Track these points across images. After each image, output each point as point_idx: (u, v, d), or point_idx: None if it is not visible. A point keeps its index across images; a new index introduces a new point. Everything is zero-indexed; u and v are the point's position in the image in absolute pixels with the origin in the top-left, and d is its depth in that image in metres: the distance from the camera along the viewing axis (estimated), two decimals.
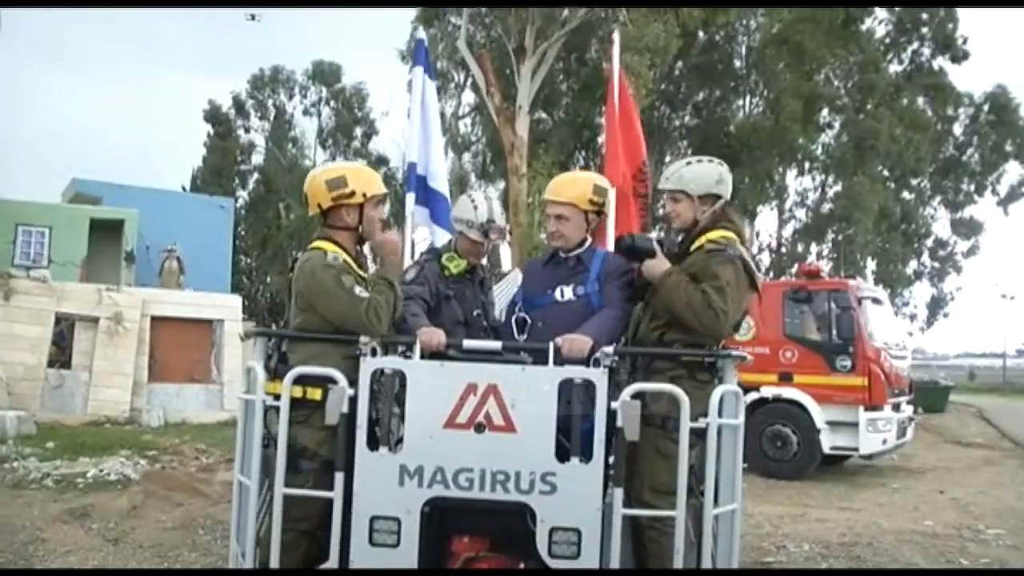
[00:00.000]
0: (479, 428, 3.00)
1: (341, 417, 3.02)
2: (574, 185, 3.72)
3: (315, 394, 3.14)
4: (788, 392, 9.70)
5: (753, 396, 9.32)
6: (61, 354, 13.42)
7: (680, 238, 3.53)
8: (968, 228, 31.20)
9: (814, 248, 29.47)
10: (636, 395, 2.97)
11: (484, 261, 4.07)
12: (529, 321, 3.58)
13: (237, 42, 64.53)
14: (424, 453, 3.00)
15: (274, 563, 3.03)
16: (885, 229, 27.14)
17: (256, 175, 35.80)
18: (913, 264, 30.48)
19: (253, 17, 30.02)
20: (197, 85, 58.59)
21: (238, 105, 35.51)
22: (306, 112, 35.92)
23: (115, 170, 57.50)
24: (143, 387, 13.66)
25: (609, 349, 3.09)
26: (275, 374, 3.23)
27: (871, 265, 27.76)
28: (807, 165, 28.78)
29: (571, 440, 3.00)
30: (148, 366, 13.82)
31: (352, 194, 3.34)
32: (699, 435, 3.03)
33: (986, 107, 29.14)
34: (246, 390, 3.32)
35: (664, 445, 3.10)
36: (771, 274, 26.92)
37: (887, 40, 28.06)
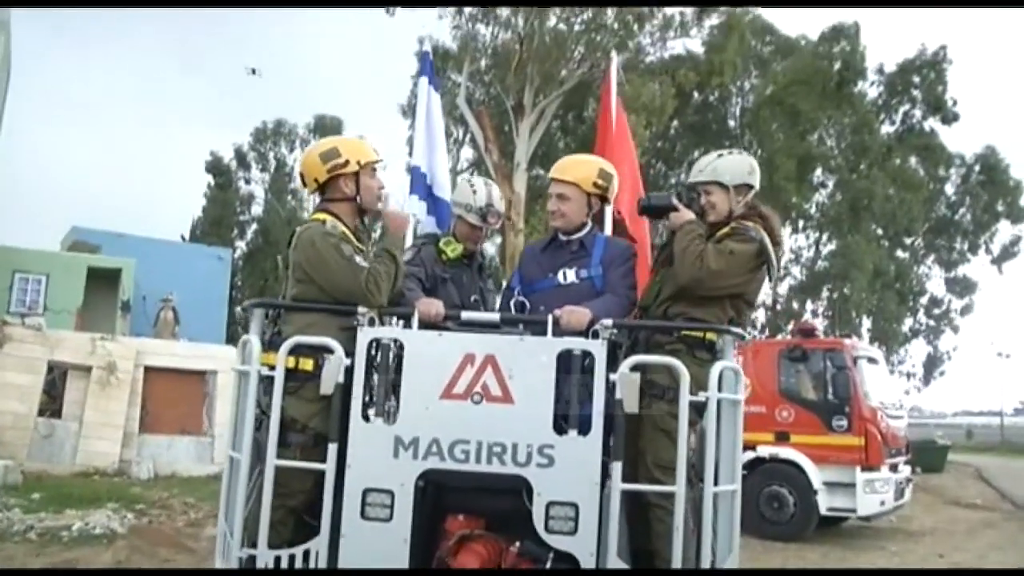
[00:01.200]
0: (477, 399, 2.93)
1: (336, 387, 2.96)
2: (580, 166, 3.70)
3: (307, 364, 3.09)
4: (785, 452, 9.62)
5: (750, 455, 9.24)
6: (52, 403, 13.27)
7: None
8: (962, 287, 31.32)
9: (809, 306, 29.52)
10: (636, 368, 2.93)
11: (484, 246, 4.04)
12: (528, 305, 3.53)
13: (241, 97, 65.58)
14: (420, 424, 2.94)
15: (261, 541, 2.95)
16: (880, 287, 27.24)
17: (255, 226, 36.02)
18: (909, 322, 30.53)
19: (254, 71, 30.60)
20: (200, 137, 59.49)
21: (240, 157, 35.95)
22: None
23: (117, 219, 57.98)
24: (133, 438, 13.48)
25: (608, 322, 3.04)
26: (269, 346, 3.16)
27: (866, 323, 27.83)
28: (802, 223, 29.04)
29: (569, 414, 2.92)
30: (140, 417, 13.67)
31: (346, 163, 3.35)
32: (699, 412, 2.99)
33: (977, 167, 29.53)
34: (241, 362, 3.23)
35: (665, 421, 3.05)
36: (766, 332, 26.94)
37: (879, 102, 28.63)
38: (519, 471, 2.89)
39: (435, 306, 3.23)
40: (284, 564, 2.95)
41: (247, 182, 36.51)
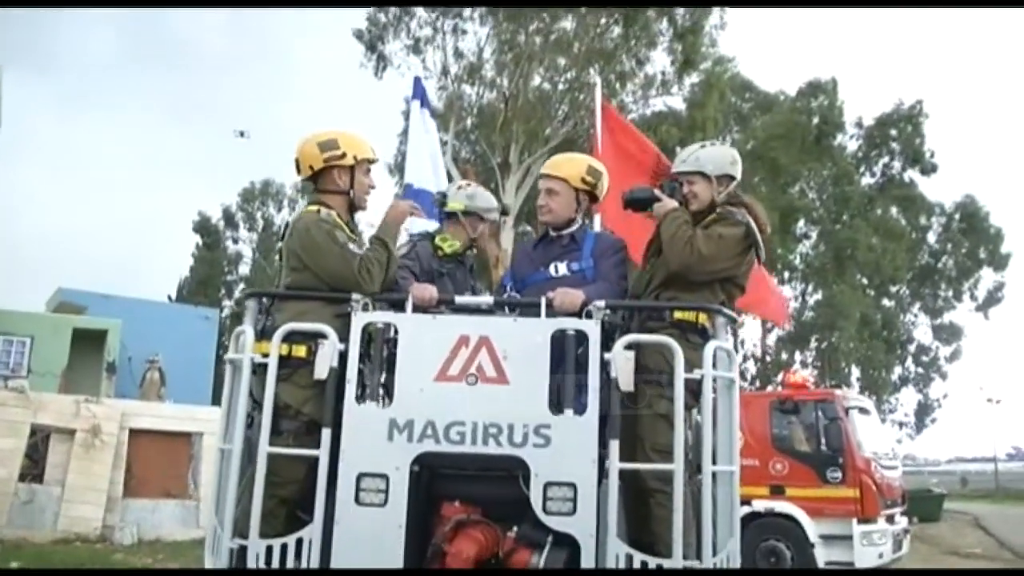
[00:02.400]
0: (472, 380, 2.90)
1: (330, 372, 2.95)
2: (569, 163, 3.76)
3: (300, 351, 3.09)
4: (780, 506, 9.50)
5: (745, 510, 9.13)
6: (34, 467, 12.99)
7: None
8: (949, 333, 31.51)
9: (798, 356, 29.61)
10: (630, 348, 2.93)
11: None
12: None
13: (229, 157, 66.21)
14: (414, 407, 2.91)
15: (253, 531, 2.87)
16: (867, 336, 27.40)
17: (242, 285, 35.98)
18: (898, 370, 30.62)
19: (242, 134, 30.88)
20: (188, 198, 59.78)
21: (227, 217, 36.17)
22: None
23: (103, 280, 57.73)
24: (117, 502, 13.17)
25: (601, 303, 3.04)
26: (263, 335, 3.15)
27: (856, 372, 27.88)
28: (787, 275, 29.30)
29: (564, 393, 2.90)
30: (124, 480, 13.40)
31: (343, 155, 3.39)
32: (695, 397, 2.98)
33: (957, 216, 30.05)
34: (235, 351, 3.21)
35: (662, 406, 3.03)
36: (756, 383, 26.91)
37: (859, 154, 29.25)
38: (515, 452, 2.86)
39: (429, 291, 3.26)
40: (276, 553, 2.87)
41: (235, 241, 36.73)
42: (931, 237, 30.67)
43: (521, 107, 19.72)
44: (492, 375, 2.92)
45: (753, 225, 3.33)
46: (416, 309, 3.15)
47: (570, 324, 3.00)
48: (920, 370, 31.47)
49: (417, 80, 6.71)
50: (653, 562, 2.82)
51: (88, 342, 18.54)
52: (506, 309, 3.32)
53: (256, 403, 3.06)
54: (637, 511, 3.07)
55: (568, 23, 20.07)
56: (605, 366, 2.91)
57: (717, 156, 3.55)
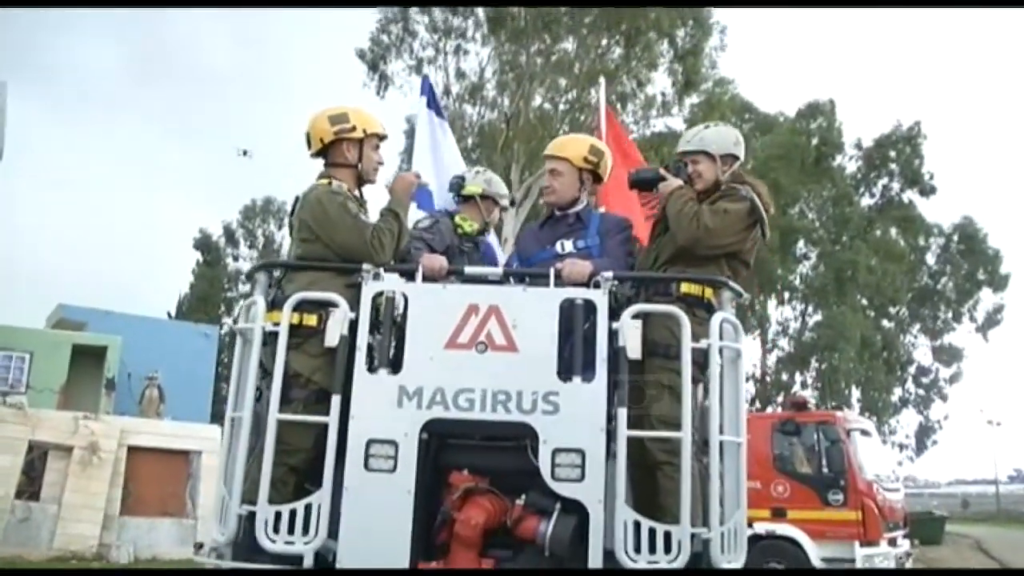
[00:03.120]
0: (481, 348, 2.93)
1: (341, 340, 2.97)
2: (571, 144, 3.83)
3: (311, 320, 3.12)
4: (782, 528, 9.45)
5: (748, 533, 9.07)
6: (31, 484, 12.91)
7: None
8: (949, 355, 31.43)
9: (799, 377, 29.53)
10: (637, 317, 2.96)
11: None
12: None
13: (230, 174, 66.41)
14: (424, 374, 2.93)
15: (262, 497, 2.88)
16: (868, 357, 27.34)
17: (242, 302, 35.89)
18: (898, 392, 30.52)
19: (245, 153, 31.00)
20: (189, 215, 59.88)
21: (228, 234, 36.23)
22: None
23: (104, 296, 57.77)
24: (114, 520, 13.09)
25: (608, 274, 3.07)
26: (272, 306, 3.18)
27: (856, 393, 27.79)
28: (787, 295, 29.31)
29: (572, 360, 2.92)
30: (121, 498, 13.32)
31: (352, 128, 3.47)
32: (701, 370, 3.01)
33: (955, 237, 30.10)
34: (245, 321, 3.22)
35: (669, 378, 3.05)
36: (757, 404, 26.82)
37: (858, 175, 29.34)
38: (524, 418, 2.87)
39: (439, 260, 3.31)
40: (285, 519, 2.88)
41: (235, 259, 36.72)
42: (930, 258, 30.71)
43: (522, 127, 19.82)
44: (501, 343, 2.95)
45: (758, 201, 3.37)
46: (426, 279, 3.18)
47: (578, 294, 3.03)
48: (920, 392, 31.37)
49: (425, 78, 6.83)
50: (661, 528, 2.83)
51: (88, 358, 18.51)
52: (514, 281, 3.36)
53: (266, 374, 3.09)
54: (644, 485, 3.08)
55: (569, 44, 20.25)
56: (613, 336, 2.94)
57: (721, 136, 3.61)
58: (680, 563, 2.78)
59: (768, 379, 29.83)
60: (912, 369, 31.15)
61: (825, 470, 9.58)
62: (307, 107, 3.68)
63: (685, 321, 2.94)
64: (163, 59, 66.27)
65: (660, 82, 20.99)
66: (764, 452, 9.81)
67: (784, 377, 29.81)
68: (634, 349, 2.91)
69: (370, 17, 21.00)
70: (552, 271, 3.14)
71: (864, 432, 10.44)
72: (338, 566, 2.81)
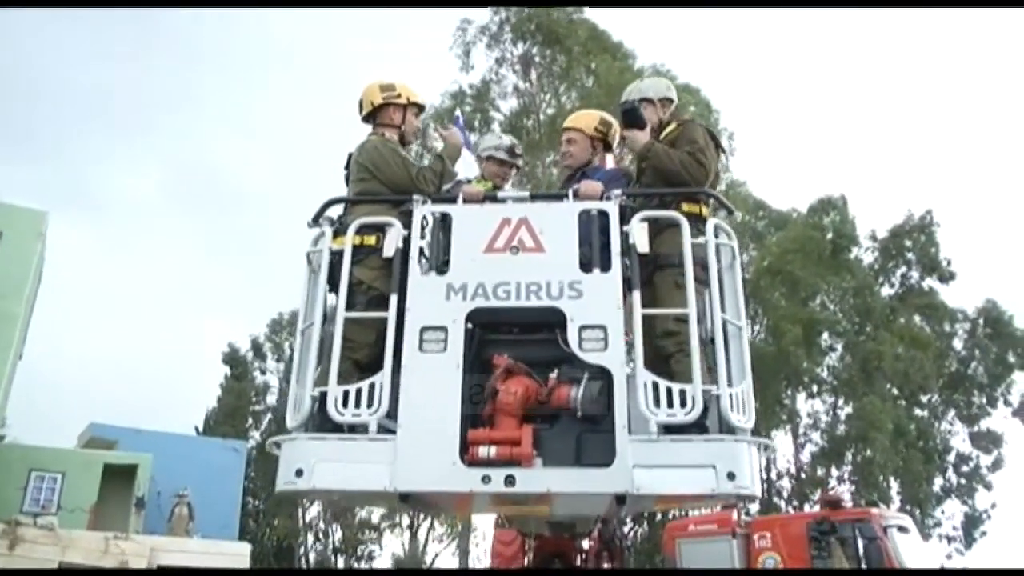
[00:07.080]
0: (514, 250, 3.52)
1: (396, 252, 3.58)
2: (584, 117, 4.62)
3: (370, 240, 3.77)
4: None
5: None
6: None
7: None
8: (988, 440, 30.54)
9: (834, 471, 28.74)
10: (644, 221, 3.57)
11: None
12: None
13: (260, 290, 67.81)
14: (467, 273, 3.50)
15: (332, 379, 3.38)
16: (903, 447, 26.67)
17: (269, 415, 35.96)
18: (939, 481, 29.52)
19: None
20: (217, 330, 60.81)
21: (256, 347, 36.59)
22: None
23: (133, 412, 58.13)
24: None
25: (617, 191, 3.71)
26: (335, 234, 3.83)
27: (895, 486, 26.96)
28: (815, 388, 28.92)
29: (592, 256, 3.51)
30: None
31: (398, 95, 4.24)
32: (704, 269, 3.52)
33: (981, 321, 29.80)
34: (314, 249, 3.82)
35: (678, 279, 3.54)
36: (792, 502, 26.10)
37: (875, 266, 29.43)
38: (553, 303, 3.41)
39: (477, 189, 4.04)
40: (352, 397, 3.37)
41: (263, 372, 36.95)
42: (957, 343, 30.30)
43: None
44: (531, 246, 3.53)
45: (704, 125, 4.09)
46: (467, 203, 3.80)
47: (593, 205, 3.65)
48: (962, 480, 30.34)
49: (457, 119, 7.48)
50: (677, 387, 3.29)
51: (119, 477, 18.63)
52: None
53: (333, 288, 3.67)
54: (658, 373, 3.44)
55: None
56: (624, 239, 3.51)
57: (656, 84, 4.35)
58: (694, 416, 3.25)
59: (803, 475, 29.08)
60: (951, 457, 30.23)
61: (864, 567, 9.36)
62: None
63: (684, 222, 3.49)
64: (202, 175, 69.16)
65: None
66: (801, 553, 9.65)
67: (820, 472, 29.05)
68: (643, 244, 3.47)
69: None
70: (570, 191, 3.76)
71: (902, 528, 10.23)
72: (399, 431, 3.28)
